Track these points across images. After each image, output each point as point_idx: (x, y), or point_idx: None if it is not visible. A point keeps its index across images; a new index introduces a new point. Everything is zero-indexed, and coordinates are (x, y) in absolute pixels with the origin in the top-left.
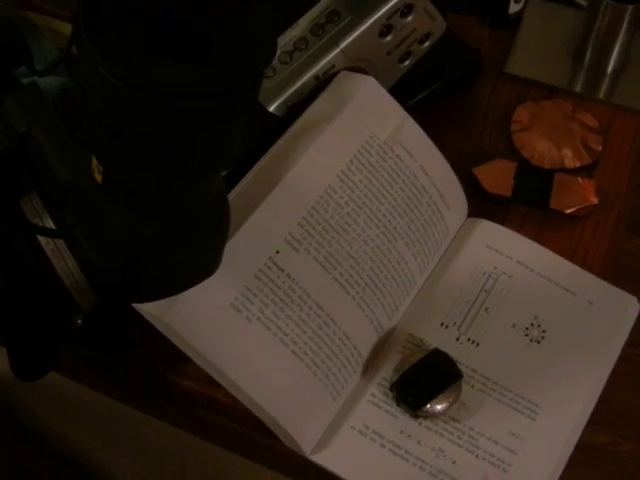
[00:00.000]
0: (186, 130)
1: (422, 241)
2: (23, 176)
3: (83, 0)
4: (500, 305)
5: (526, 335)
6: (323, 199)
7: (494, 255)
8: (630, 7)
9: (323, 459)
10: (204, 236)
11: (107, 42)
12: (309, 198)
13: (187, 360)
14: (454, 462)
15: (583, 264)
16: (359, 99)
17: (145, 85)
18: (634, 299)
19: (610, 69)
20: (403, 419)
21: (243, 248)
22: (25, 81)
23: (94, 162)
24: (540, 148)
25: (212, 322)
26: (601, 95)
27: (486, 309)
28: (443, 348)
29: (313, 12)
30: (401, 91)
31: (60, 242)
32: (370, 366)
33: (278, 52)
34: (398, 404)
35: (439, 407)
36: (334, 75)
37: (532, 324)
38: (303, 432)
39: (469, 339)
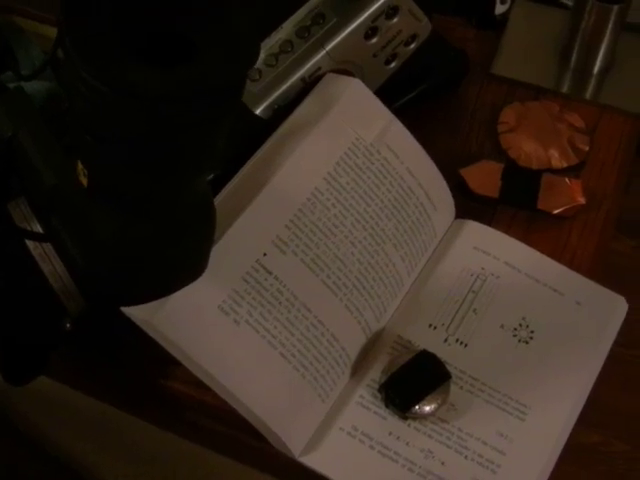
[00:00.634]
0: (169, 133)
1: (410, 243)
2: (11, 180)
3: (66, 4)
4: (488, 306)
5: (514, 336)
6: (310, 201)
7: (482, 256)
8: (615, 7)
9: (312, 461)
10: (190, 239)
11: (90, 46)
12: (296, 200)
13: (176, 363)
14: (443, 463)
15: (571, 264)
16: (345, 101)
17: (127, 88)
18: (622, 299)
19: (596, 69)
20: (392, 420)
21: (230, 251)
22: (11, 86)
23: (79, 166)
24: (527, 149)
25: (200, 325)
26: (588, 95)
27: (474, 310)
28: (431, 349)
29: (298, 15)
30: (388, 93)
31: (48, 246)
32: (359, 368)
33: (264, 55)
34: (387, 405)
35: (428, 408)
36: (320, 77)
37: (520, 325)
38: (292, 434)
39: (457, 340)
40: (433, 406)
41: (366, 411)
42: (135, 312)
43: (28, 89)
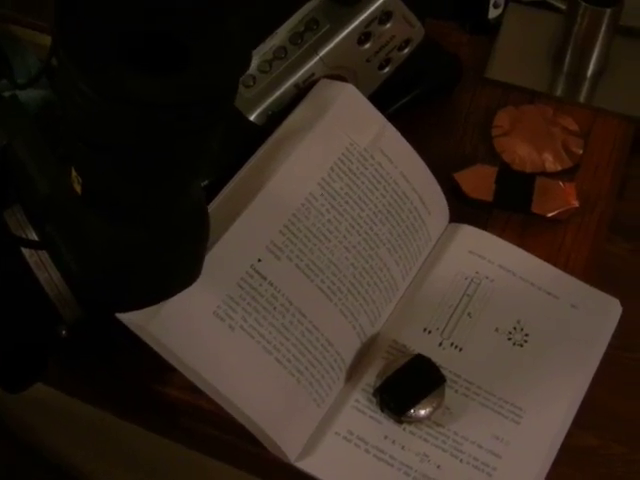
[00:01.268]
0: (163, 139)
1: (404, 247)
2: (7, 189)
3: (60, 11)
4: (483, 309)
5: (509, 339)
6: (304, 207)
7: (476, 260)
8: (608, 10)
9: (308, 465)
10: (184, 244)
11: (83, 53)
12: (290, 206)
13: (171, 369)
14: (438, 467)
15: (565, 267)
16: (339, 107)
17: (124, 96)
18: (616, 301)
19: (590, 73)
20: (387, 424)
21: (225, 257)
22: (6, 94)
23: (73, 173)
24: (521, 152)
25: (195, 331)
26: (581, 99)
27: (469, 314)
28: (426, 353)
29: (292, 21)
30: (381, 98)
31: (44, 254)
32: (354, 372)
33: (258, 61)
34: (382, 410)
35: (423, 412)
36: (314, 83)
37: (515, 328)
38: (287, 439)
39: (452, 344)
40: (428, 410)
41: (361, 415)
42: (130, 318)
43: (23, 97)
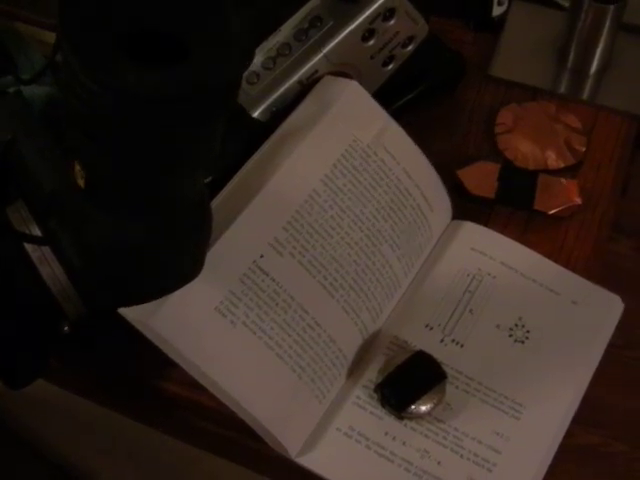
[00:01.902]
0: (166, 132)
1: (406, 244)
2: (9, 184)
3: (63, 5)
4: (484, 306)
5: (510, 335)
6: (307, 203)
7: (478, 256)
8: (611, 7)
9: (309, 461)
10: (187, 240)
11: (86, 47)
12: (293, 202)
13: (172, 364)
14: (439, 462)
15: (567, 264)
16: (342, 103)
17: (127, 89)
18: (618, 298)
19: (593, 70)
20: (388, 420)
21: (228, 252)
22: (10, 90)
23: (77, 167)
24: (524, 149)
25: (197, 326)
26: (584, 96)
27: (470, 310)
28: (427, 349)
29: (296, 18)
30: (385, 95)
31: (47, 250)
32: (355, 368)
33: (262, 58)
34: (383, 406)
35: (424, 408)
36: (318, 80)
37: (516, 324)
38: (289, 435)
39: (453, 340)
40: (429, 406)
41: (362, 411)
42: (132, 313)
43: (28, 93)
